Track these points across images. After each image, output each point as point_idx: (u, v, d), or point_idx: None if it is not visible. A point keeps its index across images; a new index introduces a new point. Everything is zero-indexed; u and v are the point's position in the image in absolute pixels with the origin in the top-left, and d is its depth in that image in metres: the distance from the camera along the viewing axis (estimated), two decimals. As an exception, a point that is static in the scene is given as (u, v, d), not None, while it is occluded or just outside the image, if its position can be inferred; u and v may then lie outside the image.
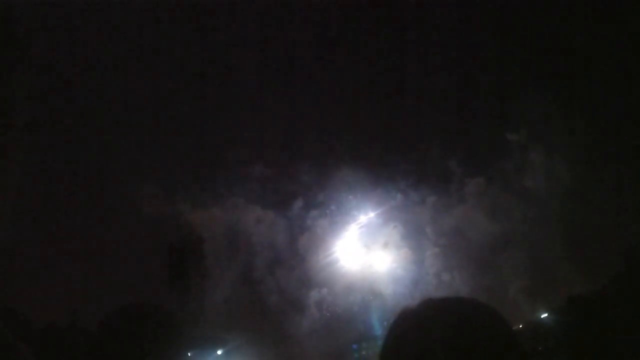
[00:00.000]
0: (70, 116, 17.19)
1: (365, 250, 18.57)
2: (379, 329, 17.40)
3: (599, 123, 17.71)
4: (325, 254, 18.28)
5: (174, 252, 16.98)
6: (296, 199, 18.35)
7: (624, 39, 17.02)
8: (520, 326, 15.12)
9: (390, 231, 18.35)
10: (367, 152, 19.28)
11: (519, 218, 17.84)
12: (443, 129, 19.29)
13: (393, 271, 18.22)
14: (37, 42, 14.71)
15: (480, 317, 1.27)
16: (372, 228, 18.61)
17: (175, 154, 18.74)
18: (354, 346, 17.91)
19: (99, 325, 2.08)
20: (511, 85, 18.51)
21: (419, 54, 19.11)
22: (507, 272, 17.69)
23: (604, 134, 17.86)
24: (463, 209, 18.32)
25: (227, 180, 18.01)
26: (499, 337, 1.25)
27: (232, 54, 18.85)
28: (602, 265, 15.44)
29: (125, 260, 16.74)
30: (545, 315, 15.00)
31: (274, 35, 18.60)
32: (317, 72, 19.78)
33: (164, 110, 18.31)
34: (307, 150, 18.93)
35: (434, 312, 1.29)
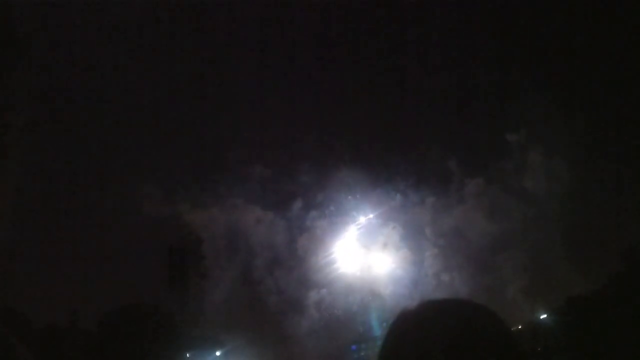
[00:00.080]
0: (70, 116, 17.22)
1: (365, 250, 18.59)
2: (378, 330, 17.40)
3: (599, 123, 17.75)
4: (324, 254, 18.29)
5: (174, 252, 16.99)
6: (295, 200, 18.38)
7: (624, 39, 17.05)
8: (520, 326, 15.14)
9: (389, 232, 18.37)
10: (367, 153, 19.33)
11: (519, 218, 17.87)
12: (443, 129, 19.35)
13: (392, 272, 18.23)
14: (37, 42, 14.73)
15: (479, 319, 1.27)
16: (372, 229, 18.63)
17: (175, 154, 18.77)
18: (353, 347, 17.91)
19: (99, 325, 2.08)
20: (511, 86, 18.56)
21: (419, 54, 19.15)
22: (506, 272, 17.72)
23: (604, 134, 17.90)
24: (462, 209, 18.33)
25: (227, 181, 18.04)
26: (498, 338, 1.26)
27: (232, 54, 18.89)
28: (601, 266, 15.46)
29: (125, 260, 16.76)
30: (545, 315, 15.04)
31: (274, 35, 18.65)
32: (317, 72, 19.82)
33: (164, 110, 18.35)
34: (306, 151, 18.97)
35: (433, 313, 1.30)
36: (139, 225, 17.01)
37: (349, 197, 18.59)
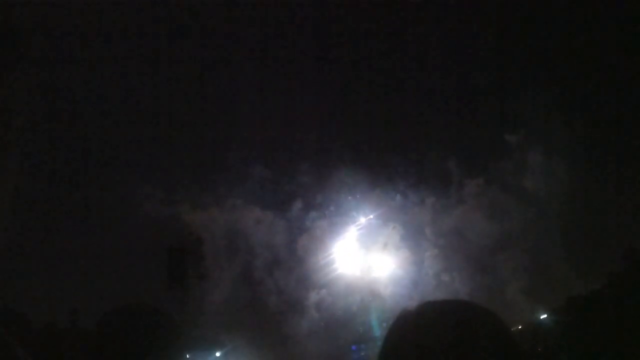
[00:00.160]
0: (70, 116, 17.20)
1: (365, 251, 18.58)
2: (378, 330, 17.39)
3: (599, 123, 17.74)
4: (324, 254, 18.28)
5: (174, 252, 16.96)
6: (295, 200, 18.37)
7: (624, 39, 17.04)
8: (520, 326, 15.14)
9: (389, 232, 18.35)
10: (367, 153, 19.30)
11: (518, 219, 17.86)
12: (443, 129, 19.33)
13: (392, 272, 18.21)
14: (37, 42, 14.72)
15: (478, 320, 1.27)
16: (371, 229, 18.62)
17: (175, 154, 18.75)
18: (354, 347, 17.90)
19: (98, 325, 2.08)
20: (511, 86, 18.55)
21: (419, 53, 19.15)
22: (506, 272, 17.71)
23: (604, 134, 17.89)
24: (462, 209, 18.32)
25: (226, 181, 18.03)
26: (498, 339, 1.26)
27: (232, 54, 18.88)
28: (601, 266, 15.44)
29: (125, 260, 16.74)
30: (545, 315, 15.03)
31: (274, 35, 18.62)
32: (316, 72, 19.80)
33: (164, 110, 18.33)
34: (306, 151, 18.94)
35: (433, 314, 1.30)
36: (139, 225, 17.00)
37: (349, 197, 18.60)
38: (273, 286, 17.89)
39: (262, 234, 18.22)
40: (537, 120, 17.11)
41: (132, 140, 18.09)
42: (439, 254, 18.20)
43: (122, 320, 2.09)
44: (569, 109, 17.50)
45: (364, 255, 18.53)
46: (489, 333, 1.27)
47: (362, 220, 18.62)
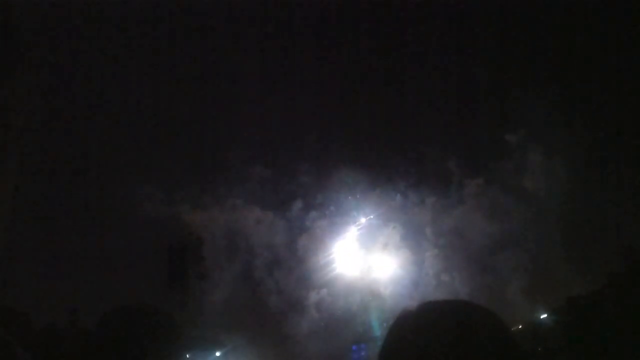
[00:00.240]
0: (70, 116, 17.21)
1: (365, 251, 18.59)
2: (378, 330, 17.39)
3: (599, 123, 17.73)
4: (324, 254, 18.29)
5: (174, 252, 16.97)
6: (295, 200, 18.38)
7: (624, 39, 17.04)
8: (520, 326, 15.14)
9: (389, 232, 18.36)
10: (367, 153, 19.31)
11: (518, 219, 17.87)
12: (442, 129, 19.33)
13: (392, 272, 18.22)
14: (37, 42, 14.72)
15: (479, 320, 1.27)
16: (372, 229, 18.63)
17: (175, 154, 18.75)
18: (354, 347, 17.90)
19: (98, 325, 2.08)
20: (511, 85, 18.54)
21: (419, 53, 19.15)
22: (506, 272, 17.71)
23: (604, 133, 17.88)
24: (462, 209, 18.33)
25: (226, 181, 18.03)
26: (498, 339, 1.26)
27: (232, 54, 18.87)
28: (601, 266, 15.44)
29: (125, 260, 16.75)
30: (545, 315, 15.03)
31: (274, 35, 18.63)
32: (316, 72, 19.79)
33: (164, 110, 18.33)
34: (306, 151, 18.94)
35: (433, 314, 1.30)
36: (139, 225, 17.01)
37: (349, 197, 18.61)
38: (273, 286, 17.91)
39: (262, 234, 18.24)
40: (537, 120, 17.11)
41: (133, 140, 18.11)
42: (439, 254, 18.22)
43: (122, 320, 2.09)
44: (569, 109, 17.50)
45: (364, 255, 18.55)
46: (489, 333, 1.27)
47: (362, 220, 18.65)
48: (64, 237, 16.82)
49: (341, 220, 18.59)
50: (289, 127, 19.28)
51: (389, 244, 18.33)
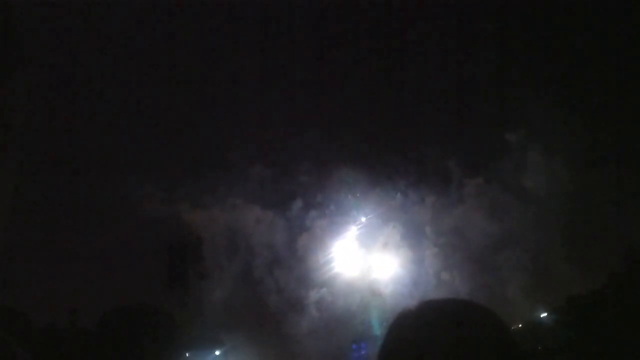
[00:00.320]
0: (70, 116, 17.21)
1: (365, 250, 18.59)
2: (378, 329, 17.40)
3: (599, 123, 17.73)
4: (324, 253, 18.29)
5: (174, 252, 16.97)
6: (295, 199, 18.39)
7: (623, 39, 17.04)
8: (520, 325, 15.15)
9: (389, 231, 18.37)
10: (367, 152, 19.31)
11: (518, 218, 17.87)
12: (442, 129, 19.34)
13: (392, 271, 18.23)
14: (37, 42, 14.70)
15: (478, 319, 1.28)
16: (372, 228, 18.63)
17: (175, 153, 18.76)
18: (354, 346, 17.91)
19: (98, 325, 2.08)
20: (510, 85, 18.54)
21: (419, 53, 19.15)
22: (506, 271, 17.72)
23: (604, 133, 17.88)
24: (462, 208, 18.34)
25: (226, 180, 18.03)
26: (498, 339, 1.26)
27: (232, 54, 18.88)
28: (601, 266, 15.45)
29: (125, 260, 16.76)
30: (545, 314, 15.04)
31: (274, 35, 18.63)
32: (316, 72, 19.80)
33: (164, 110, 18.34)
34: (306, 150, 18.94)
35: (433, 313, 1.30)
36: (140, 224, 17.01)
37: (349, 196, 18.62)
38: (273, 285, 17.92)
39: (262, 233, 18.25)
40: (537, 119, 17.11)
41: (133, 140, 18.12)
42: (439, 253, 18.23)
43: (122, 320, 2.09)
44: (569, 109, 17.50)
45: (364, 255, 18.55)
46: (489, 332, 1.27)
47: (362, 219, 18.65)
48: (64, 237, 16.84)
49: (341, 219, 18.61)
50: (289, 127, 19.29)
51: (389, 243, 18.34)
